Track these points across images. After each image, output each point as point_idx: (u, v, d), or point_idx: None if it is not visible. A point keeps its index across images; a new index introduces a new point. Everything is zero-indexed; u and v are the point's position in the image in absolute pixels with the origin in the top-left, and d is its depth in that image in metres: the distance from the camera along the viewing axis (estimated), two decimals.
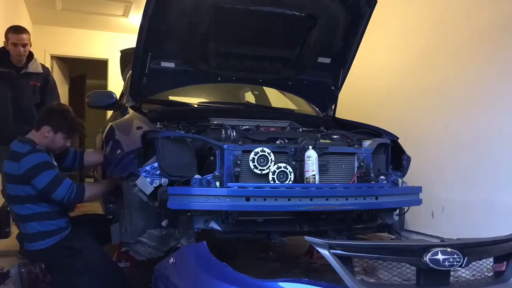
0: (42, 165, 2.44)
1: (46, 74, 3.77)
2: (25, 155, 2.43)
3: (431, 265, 1.77)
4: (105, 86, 7.38)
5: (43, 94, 3.69)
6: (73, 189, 2.47)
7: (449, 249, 1.80)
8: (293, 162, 2.38)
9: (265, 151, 2.30)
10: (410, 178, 2.83)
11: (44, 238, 2.49)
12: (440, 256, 1.77)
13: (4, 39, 3.59)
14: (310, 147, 2.37)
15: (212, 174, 2.26)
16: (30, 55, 3.65)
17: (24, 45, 3.53)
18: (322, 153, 2.43)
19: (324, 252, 1.77)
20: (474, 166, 3.28)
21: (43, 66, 3.79)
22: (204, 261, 1.96)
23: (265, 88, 3.99)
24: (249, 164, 2.29)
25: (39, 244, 2.49)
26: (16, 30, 3.55)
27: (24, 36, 3.54)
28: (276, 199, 2.17)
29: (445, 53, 3.62)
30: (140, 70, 2.73)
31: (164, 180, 2.27)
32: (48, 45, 6.96)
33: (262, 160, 2.30)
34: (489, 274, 2.04)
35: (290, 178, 2.32)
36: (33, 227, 2.50)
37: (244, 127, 2.70)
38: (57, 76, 6.95)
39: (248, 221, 2.35)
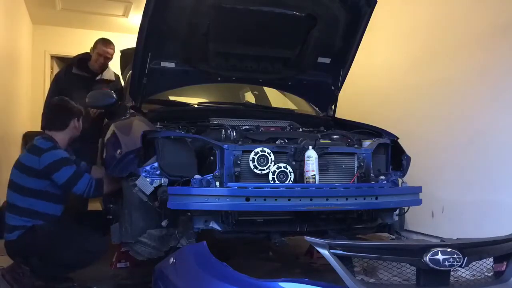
0: (62, 161, 2.54)
1: (116, 82, 3.93)
2: (46, 150, 2.54)
3: (431, 265, 1.77)
4: None
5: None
6: (92, 184, 2.55)
7: (449, 249, 1.80)
8: (293, 162, 2.38)
9: (265, 151, 2.30)
10: (410, 178, 2.83)
11: (14, 231, 2.51)
12: (440, 256, 1.77)
13: (91, 46, 3.82)
14: (310, 147, 2.37)
15: (212, 174, 2.26)
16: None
17: (106, 59, 3.77)
18: (322, 153, 2.43)
19: (324, 252, 1.77)
20: (474, 166, 3.28)
21: (115, 74, 3.97)
22: (204, 261, 1.96)
23: (265, 88, 3.99)
24: (249, 164, 2.29)
25: (14, 234, 2.51)
26: (105, 43, 3.80)
27: (111, 50, 3.78)
28: (276, 199, 2.18)
29: (445, 52, 3.61)
30: (140, 70, 2.73)
31: (164, 180, 2.28)
32: (48, 45, 6.96)
33: (262, 160, 2.30)
34: (489, 274, 2.04)
35: (290, 178, 2.32)
36: (17, 220, 2.51)
37: (244, 127, 2.70)
38: None
39: (248, 221, 2.36)
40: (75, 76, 3.75)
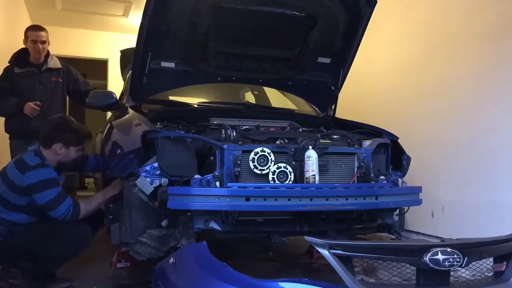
0: (46, 182, 2.45)
1: (67, 69, 3.82)
2: (32, 168, 2.45)
3: (431, 265, 1.77)
4: (105, 86, 7.38)
5: (79, 90, 3.80)
6: (70, 210, 2.47)
7: (449, 249, 1.80)
8: (293, 162, 2.38)
9: (265, 151, 2.30)
10: (410, 178, 2.83)
11: None
12: (440, 256, 1.77)
13: (23, 38, 3.66)
14: (310, 147, 2.37)
15: (212, 174, 2.26)
16: (47, 53, 3.73)
17: (43, 42, 3.63)
18: (322, 153, 2.43)
19: (324, 252, 1.77)
20: (474, 166, 3.28)
21: (61, 61, 3.84)
22: (204, 261, 1.96)
23: (265, 88, 3.99)
24: (249, 164, 2.29)
25: None
26: (35, 28, 3.67)
27: (43, 33, 3.64)
28: (276, 199, 2.17)
29: (445, 52, 3.61)
30: (140, 70, 2.73)
31: (164, 180, 2.28)
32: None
33: (262, 160, 2.30)
34: (489, 274, 2.04)
35: (290, 178, 2.32)
36: None
37: (244, 127, 2.70)
38: None
39: (248, 221, 2.36)
40: (20, 75, 3.60)
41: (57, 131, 2.61)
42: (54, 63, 3.74)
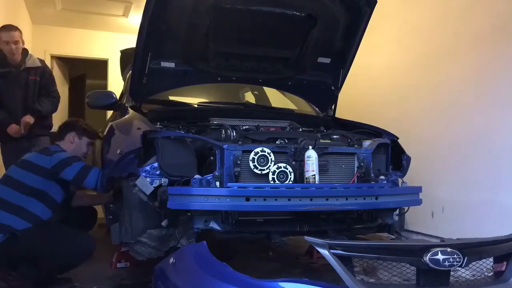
0: (71, 158, 2.65)
1: (43, 67, 3.77)
2: (57, 151, 2.67)
3: (431, 265, 1.77)
4: (105, 86, 7.38)
5: (41, 85, 3.71)
6: (100, 177, 2.59)
7: (449, 249, 1.80)
8: (293, 162, 2.38)
9: (265, 151, 2.30)
10: (410, 178, 2.83)
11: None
12: (440, 256, 1.77)
13: None
14: (310, 147, 2.37)
15: (212, 174, 2.26)
16: (25, 52, 3.67)
17: (16, 43, 3.55)
18: (322, 153, 2.43)
19: (324, 252, 1.77)
20: (474, 166, 3.28)
21: (40, 60, 3.79)
22: (204, 261, 1.96)
23: (265, 88, 3.99)
24: (249, 164, 2.29)
25: None
26: (6, 28, 3.58)
27: (15, 33, 3.56)
28: (276, 199, 2.18)
29: (445, 52, 3.62)
30: (140, 70, 2.73)
31: (164, 180, 2.28)
32: (48, 45, 6.94)
33: (262, 160, 2.30)
34: (489, 274, 2.04)
35: (290, 178, 2.32)
36: (4, 217, 2.44)
37: (244, 127, 2.70)
38: (57, 76, 6.91)
39: (248, 221, 2.35)
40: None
41: (69, 124, 2.90)
42: (32, 62, 3.67)
